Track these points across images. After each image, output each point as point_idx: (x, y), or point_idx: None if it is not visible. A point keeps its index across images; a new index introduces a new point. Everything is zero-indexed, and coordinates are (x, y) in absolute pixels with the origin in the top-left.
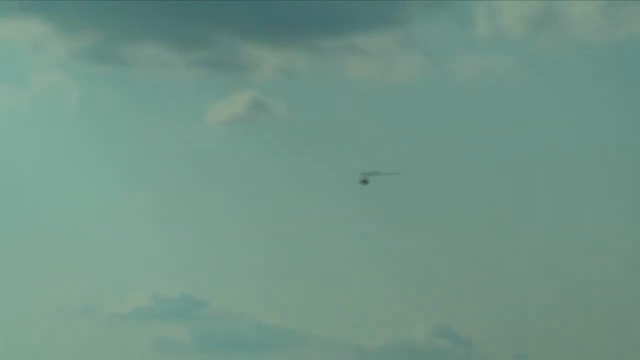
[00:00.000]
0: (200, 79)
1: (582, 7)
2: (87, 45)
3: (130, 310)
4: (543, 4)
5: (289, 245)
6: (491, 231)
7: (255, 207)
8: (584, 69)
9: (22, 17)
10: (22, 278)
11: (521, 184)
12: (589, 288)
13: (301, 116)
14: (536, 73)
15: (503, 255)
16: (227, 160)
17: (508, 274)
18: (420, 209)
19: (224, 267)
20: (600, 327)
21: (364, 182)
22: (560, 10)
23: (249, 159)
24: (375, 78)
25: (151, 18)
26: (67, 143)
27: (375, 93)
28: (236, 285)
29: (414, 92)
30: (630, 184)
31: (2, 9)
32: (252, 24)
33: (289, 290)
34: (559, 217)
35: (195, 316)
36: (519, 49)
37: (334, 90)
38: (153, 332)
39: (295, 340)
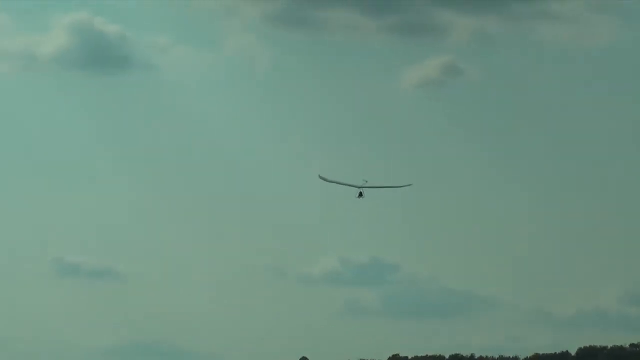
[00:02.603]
0: (391, 44)
1: None
2: (279, 10)
3: (320, 273)
4: None
5: (480, 211)
6: None
7: (447, 171)
8: None
9: None
10: (216, 236)
11: None
12: None
13: (495, 81)
14: None
15: None
16: (420, 123)
17: None
18: (607, 176)
19: (413, 232)
20: None
21: (360, 195)
22: None
23: (442, 122)
24: (569, 43)
25: None
26: (259, 106)
27: (568, 58)
28: (427, 250)
29: (609, 56)
30: None
31: None
32: None
33: (480, 255)
34: None
35: (385, 281)
36: None
37: (527, 54)
38: (343, 296)
39: (485, 307)
